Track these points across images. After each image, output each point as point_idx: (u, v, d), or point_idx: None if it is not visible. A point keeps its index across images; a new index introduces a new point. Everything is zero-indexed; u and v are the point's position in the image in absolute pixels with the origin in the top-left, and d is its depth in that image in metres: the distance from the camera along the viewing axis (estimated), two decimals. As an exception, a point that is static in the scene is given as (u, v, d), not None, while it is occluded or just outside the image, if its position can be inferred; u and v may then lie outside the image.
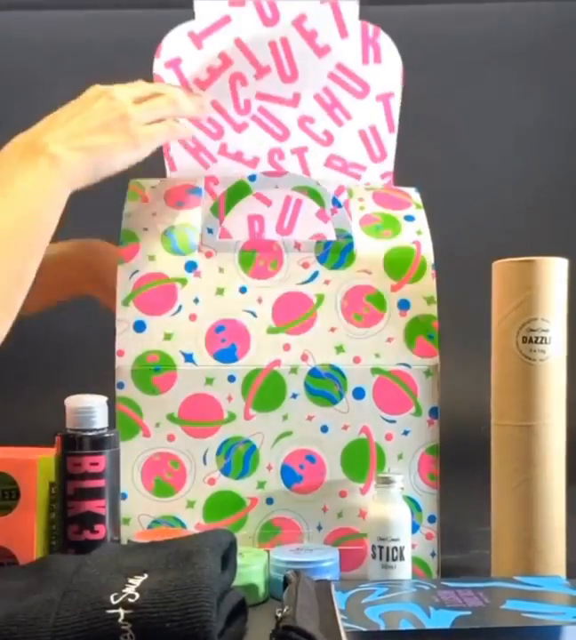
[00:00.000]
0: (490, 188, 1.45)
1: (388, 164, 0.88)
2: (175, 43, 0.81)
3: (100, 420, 0.69)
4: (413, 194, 0.85)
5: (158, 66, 0.82)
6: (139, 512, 0.74)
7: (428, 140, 1.25)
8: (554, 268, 0.70)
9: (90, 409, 0.68)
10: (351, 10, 0.81)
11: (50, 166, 0.65)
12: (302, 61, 0.82)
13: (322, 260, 0.77)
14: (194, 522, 0.74)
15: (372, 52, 0.83)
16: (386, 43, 0.82)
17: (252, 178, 0.81)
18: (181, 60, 0.82)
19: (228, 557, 0.59)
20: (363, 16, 0.81)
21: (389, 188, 0.87)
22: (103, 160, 0.70)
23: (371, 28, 0.82)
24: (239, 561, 0.63)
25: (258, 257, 0.77)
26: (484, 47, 1.49)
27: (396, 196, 0.85)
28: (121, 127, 0.70)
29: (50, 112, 0.71)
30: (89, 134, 0.68)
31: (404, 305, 0.77)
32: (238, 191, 0.80)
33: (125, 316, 0.75)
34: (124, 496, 0.74)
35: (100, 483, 0.68)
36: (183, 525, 0.74)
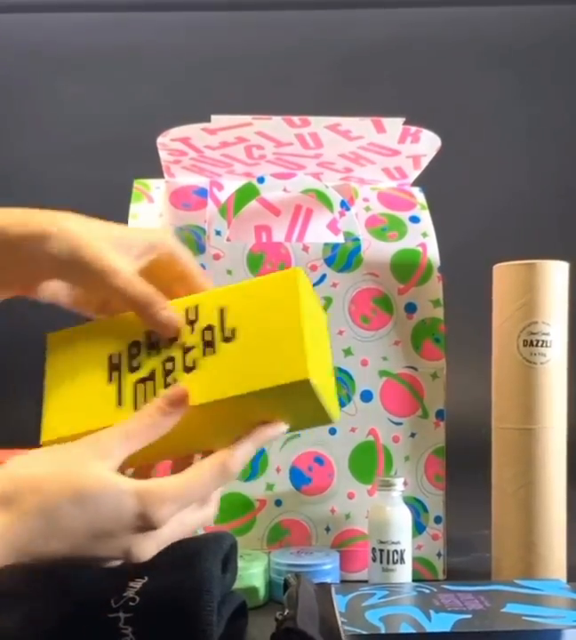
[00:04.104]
0: (491, 192, 1.45)
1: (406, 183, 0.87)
2: (185, 131, 0.77)
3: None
4: (418, 194, 0.85)
5: (164, 139, 0.78)
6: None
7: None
8: (554, 271, 0.70)
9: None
10: (395, 124, 0.77)
11: None
12: (329, 142, 0.79)
13: (329, 262, 0.77)
14: (203, 524, 0.75)
15: (409, 139, 0.79)
16: (427, 135, 0.78)
17: (261, 180, 0.80)
18: (191, 138, 0.78)
19: (228, 560, 0.59)
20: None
21: (394, 189, 0.86)
22: None
23: (413, 129, 0.77)
24: (240, 564, 0.64)
25: (266, 259, 0.77)
26: (484, 51, 1.49)
27: (400, 196, 0.85)
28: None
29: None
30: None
31: (410, 308, 0.77)
32: (246, 193, 0.80)
33: None
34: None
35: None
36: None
